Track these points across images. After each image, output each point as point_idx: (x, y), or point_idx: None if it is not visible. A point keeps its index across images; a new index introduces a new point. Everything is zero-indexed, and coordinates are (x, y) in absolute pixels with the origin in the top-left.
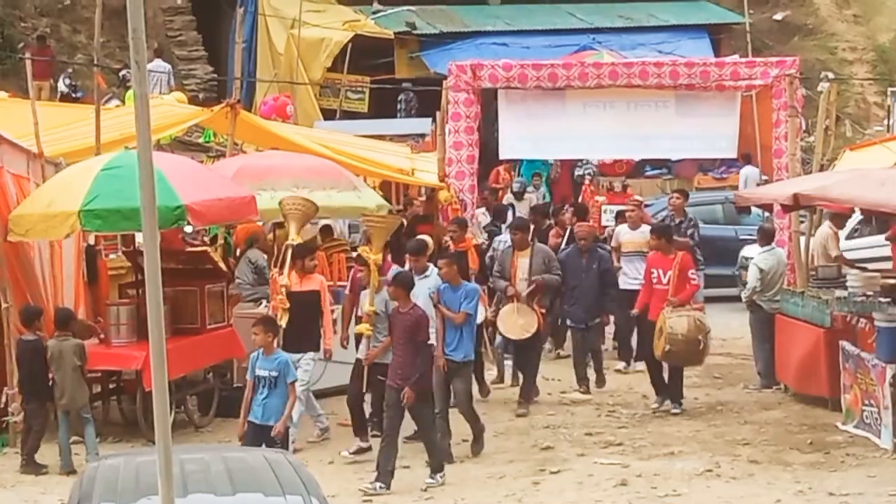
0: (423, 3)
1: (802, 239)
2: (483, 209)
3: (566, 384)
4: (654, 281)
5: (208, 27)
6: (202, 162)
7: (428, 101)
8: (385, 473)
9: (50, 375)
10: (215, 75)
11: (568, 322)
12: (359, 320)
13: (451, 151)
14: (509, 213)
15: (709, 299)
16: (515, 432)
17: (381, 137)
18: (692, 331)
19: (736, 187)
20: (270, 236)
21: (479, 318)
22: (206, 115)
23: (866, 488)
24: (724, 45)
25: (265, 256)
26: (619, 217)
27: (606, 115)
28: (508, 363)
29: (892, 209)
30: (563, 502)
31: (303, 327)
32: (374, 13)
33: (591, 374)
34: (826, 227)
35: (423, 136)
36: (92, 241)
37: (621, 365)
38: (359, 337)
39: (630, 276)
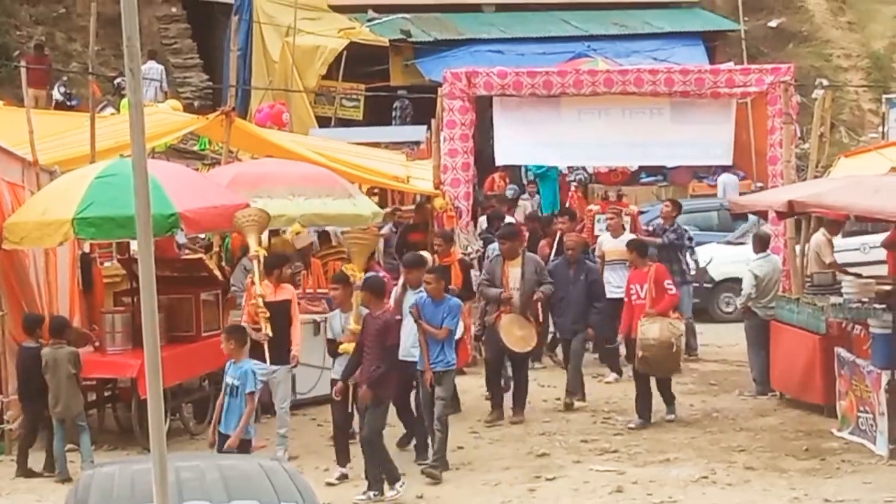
0: (418, 10)
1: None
2: (485, 216)
3: (561, 391)
4: (634, 297)
5: (203, 35)
6: (197, 170)
7: (423, 108)
8: (376, 481)
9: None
10: (210, 83)
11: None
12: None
13: (446, 159)
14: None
15: None
16: (511, 439)
17: (376, 145)
18: (664, 334)
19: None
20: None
21: (458, 333)
22: (202, 123)
23: (862, 495)
24: (719, 53)
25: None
26: None
27: (601, 122)
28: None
29: (886, 216)
30: None
31: (278, 337)
32: (368, 21)
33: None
34: (820, 235)
35: (418, 143)
36: (87, 249)
37: (612, 377)
38: (334, 354)
39: (613, 285)
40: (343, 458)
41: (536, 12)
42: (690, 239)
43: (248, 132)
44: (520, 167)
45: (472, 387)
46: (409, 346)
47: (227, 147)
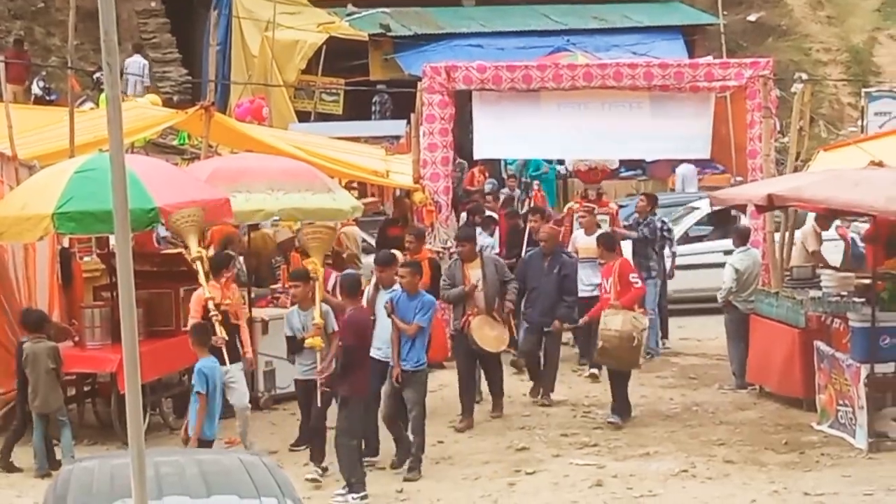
0: (398, 4)
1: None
2: (465, 212)
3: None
4: (603, 292)
5: (182, 29)
6: (177, 164)
7: (402, 102)
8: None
9: None
10: (189, 77)
11: (524, 323)
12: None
13: (425, 153)
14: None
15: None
16: (491, 433)
17: (355, 139)
18: (626, 327)
19: (711, 188)
20: (245, 239)
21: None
22: (181, 118)
23: (841, 488)
24: (699, 47)
25: (241, 258)
26: None
27: (581, 116)
28: None
29: (865, 209)
30: (539, 503)
31: (231, 337)
32: (348, 15)
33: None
34: (809, 225)
35: (397, 137)
36: (67, 244)
37: (592, 371)
38: (293, 351)
39: (584, 283)
40: (318, 456)
41: (516, 6)
42: (669, 231)
43: (228, 127)
44: (499, 161)
45: (452, 381)
46: (384, 345)
47: (207, 142)
